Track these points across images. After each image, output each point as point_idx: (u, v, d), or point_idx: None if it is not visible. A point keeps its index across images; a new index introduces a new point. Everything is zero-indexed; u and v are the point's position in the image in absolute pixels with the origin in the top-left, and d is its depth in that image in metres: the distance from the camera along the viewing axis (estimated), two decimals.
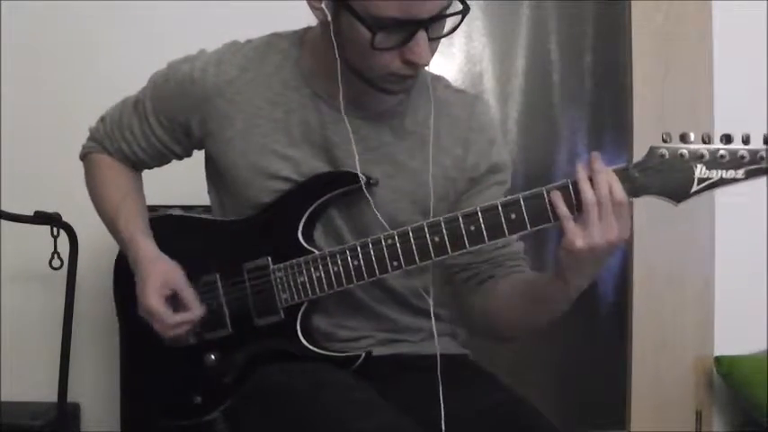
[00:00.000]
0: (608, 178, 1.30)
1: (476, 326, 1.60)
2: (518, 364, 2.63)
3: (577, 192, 1.31)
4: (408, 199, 1.52)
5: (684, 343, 2.55)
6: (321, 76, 1.50)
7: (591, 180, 1.30)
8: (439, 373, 1.42)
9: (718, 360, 2.49)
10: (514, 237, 1.41)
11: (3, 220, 2.24)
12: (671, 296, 2.55)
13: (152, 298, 1.49)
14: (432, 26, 1.35)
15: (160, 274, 1.51)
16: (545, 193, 1.34)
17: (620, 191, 1.30)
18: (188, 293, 1.52)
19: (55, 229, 2.26)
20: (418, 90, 1.52)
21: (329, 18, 1.38)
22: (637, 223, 2.55)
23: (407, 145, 1.52)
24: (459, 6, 1.36)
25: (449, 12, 1.35)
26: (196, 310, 1.52)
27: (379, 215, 1.47)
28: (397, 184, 1.52)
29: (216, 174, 1.58)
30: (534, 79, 2.69)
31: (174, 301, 1.52)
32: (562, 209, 1.31)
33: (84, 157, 1.72)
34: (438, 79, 1.58)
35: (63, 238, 2.27)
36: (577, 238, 1.30)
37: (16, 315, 2.45)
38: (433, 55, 1.40)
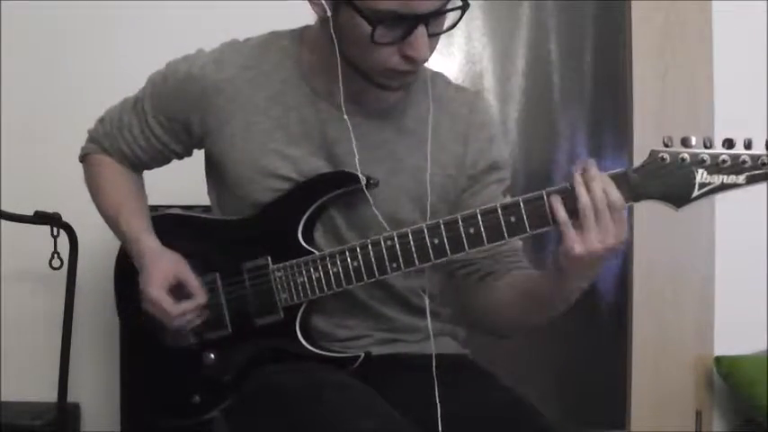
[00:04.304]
0: (603, 183, 1.30)
1: (475, 322, 1.60)
2: (518, 364, 2.63)
3: (575, 197, 1.31)
4: (408, 197, 1.52)
5: (684, 343, 2.55)
6: (320, 74, 1.50)
7: (587, 185, 1.30)
8: (434, 372, 1.42)
9: (718, 360, 2.48)
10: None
11: (3, 220, 2.24)
12: (671, 296, 2.55)
13: (155, 288, 1.49)
14: (431, 22, 1.35)
15: (164, 265, 1.52)
16: (545, 196, 1.34)
17: (616, 195, 1.30)
18: (192, 281, 1.52)
19: (55, 229, 2.26)
20: (418, 87, 1.52)
21: (329, 13, 1.38)
22: (637, 223, 2.55)
23: (408, 142, 1.52)
24: (459, 2, 1.36)
25: (449, 7, 1.35)
26: (200, 297, 1.52)
27: (379, 215, 1.46)
28: (397, 182, 1.51)
29: (216, 172, 1.58)
30: (534, 79, 2.69)
31: (179, 294, 1.52)
32: (561, 214, 1.32)
33: (84, 158, 1.72)
34: (438, 75, 1.58)
35: (63, 238, 2.27)
36: (576, 243, 1.30)
37: (16, 315, 2.45)
38: (432, 52, 1.40)
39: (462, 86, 1.63)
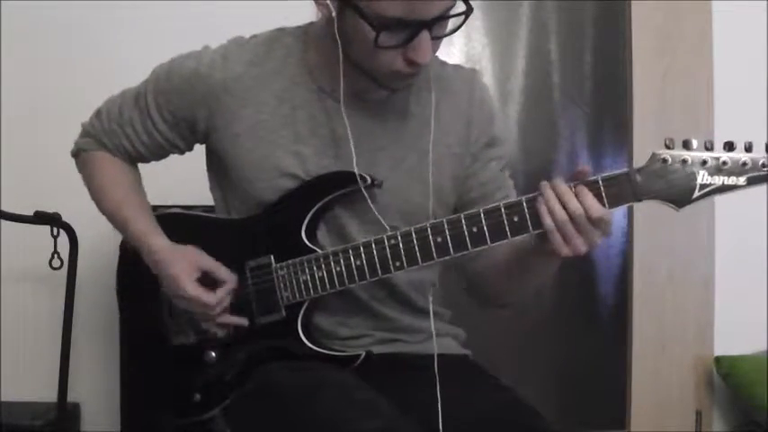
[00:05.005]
0: (581, 198, 1.32)
1: (477, 293, 1.63)
2: (518, 365, 2.63)
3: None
4: (420, 179, 1.52)
5: (684, 343, 2.56)
6: (325, 71, 1.50)
7: (561, 201, 1.33)
8: (436, 371, 1.43)
9: (718, 360, 2.49)
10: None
11: (3, 220, 2.24)
12: (671, 296, 2.56)
13: (187, 286, 1.48)
14: (435, 25, 1.35)
15: (184, 261, 1.50)
16: None
17: (596, 209, 1.32)
18: (217, 267, 1.52)
19: (55, 229, 2.26)
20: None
21: (334, 14, 1.38)
22: (637, 223, 2.56)
23: (412, 126, 1.53)
24: (463, 7, 1.37)
25: (452, 12, 1.36)
26: (231, 279, 1.52)
27: (379, 216, 1.47)
28: (407, 167, 1.52)
29: (221, 171, 1.58)
30: (534, 79, 2.69)
31: (206, 284, 1.51)
32: (547, 221, 1.33)
33: (78, 153, 1.69)
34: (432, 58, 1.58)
35: (63, 238, 2.27)
36: (562, 248, 1.34)
37: (16, 315, 2.45)
38: (434, 54, 1.41)
39: (458, 65, 1.63)
